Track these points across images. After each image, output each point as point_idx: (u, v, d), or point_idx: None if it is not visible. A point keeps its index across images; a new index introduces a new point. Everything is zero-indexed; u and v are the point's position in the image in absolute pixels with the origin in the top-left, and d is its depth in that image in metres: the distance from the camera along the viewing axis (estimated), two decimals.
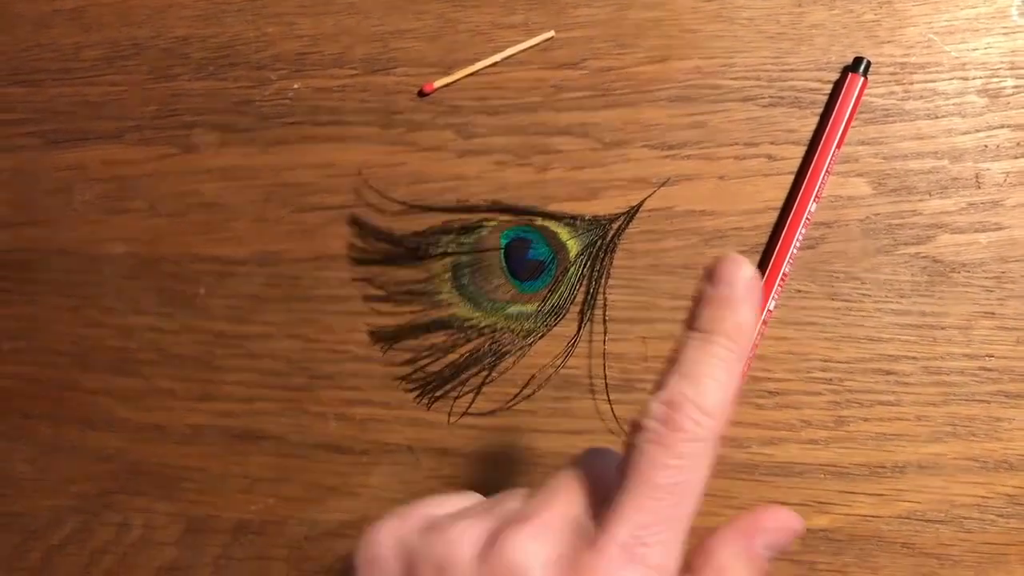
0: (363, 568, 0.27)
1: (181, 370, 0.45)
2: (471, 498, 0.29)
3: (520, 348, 0.44)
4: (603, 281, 0.44)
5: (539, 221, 0.44)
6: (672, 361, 0.26)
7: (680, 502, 0.25)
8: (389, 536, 0.27)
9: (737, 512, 0.42)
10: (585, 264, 0.44)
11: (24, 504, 0.45)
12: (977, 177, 0.43)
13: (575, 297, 0.44)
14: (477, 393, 0.44)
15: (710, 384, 0.25)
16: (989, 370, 0.42)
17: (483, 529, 0.26)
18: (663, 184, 0.44)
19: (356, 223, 0.45)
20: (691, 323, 0.26)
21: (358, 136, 0.46)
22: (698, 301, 0.26)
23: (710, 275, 0.26)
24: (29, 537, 0.45)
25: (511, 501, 0.28)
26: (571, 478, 0.27)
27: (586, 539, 0.25)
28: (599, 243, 0.44)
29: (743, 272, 0.26)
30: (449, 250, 0.44)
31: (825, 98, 0.44)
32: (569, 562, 0.25)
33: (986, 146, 0.43)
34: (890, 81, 0.44)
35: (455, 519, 0.27)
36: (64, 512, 0.45)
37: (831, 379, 0.43)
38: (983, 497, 0.42)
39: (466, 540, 0.26)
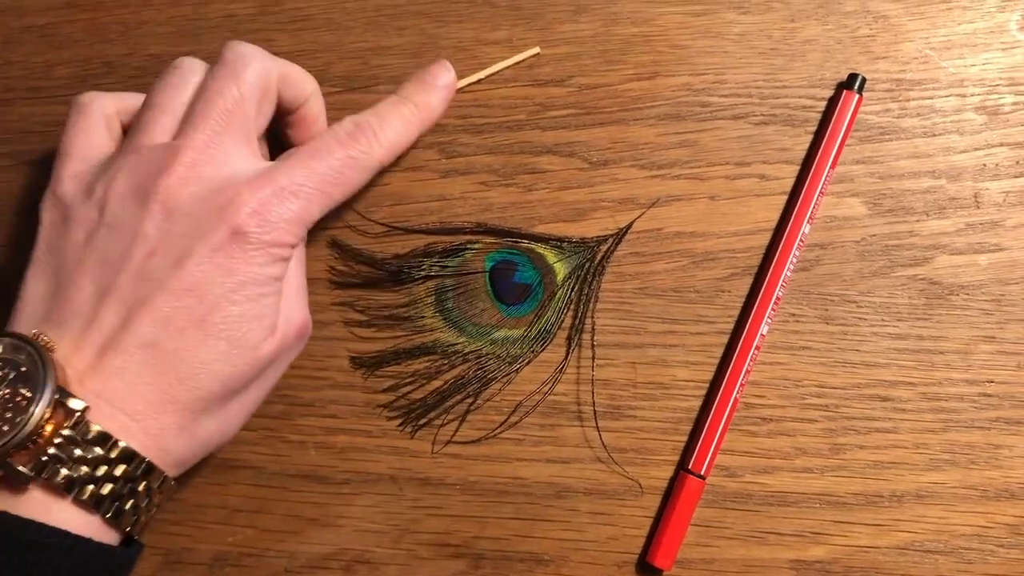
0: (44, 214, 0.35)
1: None
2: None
3: (506, 374, 0.42)
4: (591, 305, 0.42)
5: (525, 243, 0.43)
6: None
7: (332, 185, 0.35)
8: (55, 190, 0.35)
9: (730, 542, 0.41)
10: (573, 288, 0.42)
11: None
12: (976, 197, 0.42)
13: (562, 322, 0.42)
14: (462, 421, 0.42)
15: (391, 126, 0.37)
16: (989, 396, 0.41)
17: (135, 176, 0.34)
18: (652, 205, 0.43)
19: (336, 246, 0.44)
20: (398, 90, 0.39)
21: None
22: (409, 78, 0.39)
23: (425, 69, 0.40)
24: None
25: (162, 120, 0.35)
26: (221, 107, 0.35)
27: (240, 180, 0.33)
28: (587, 266, 0.42)
29: (448, 74, 0.40)
30: (432, 273, 0.43)
31: (819, 116, 0.43)
32: (222, 195, 0.33)
33: (985, 165, 0.42)
34: (886, 98, 0.43)
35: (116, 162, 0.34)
36: None
37: (826, 405, 0.41)
38: (983, 527, 0.40)
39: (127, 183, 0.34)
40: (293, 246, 0.35)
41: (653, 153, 0.43)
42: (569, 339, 0.42)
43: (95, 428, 0.31)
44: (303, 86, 0.38)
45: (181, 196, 0.33)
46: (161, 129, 0.35)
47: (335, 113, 0.44)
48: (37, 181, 0.45)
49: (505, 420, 0.42)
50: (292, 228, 0.34)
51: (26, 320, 0.33)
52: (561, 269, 0.43)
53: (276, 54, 0.44)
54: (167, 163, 0.33)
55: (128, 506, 0.32)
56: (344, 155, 0.35)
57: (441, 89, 0.39)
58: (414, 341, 0.43)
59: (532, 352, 0.42)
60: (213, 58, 0.45)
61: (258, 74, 0.36)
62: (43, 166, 0.45)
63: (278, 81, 0.37)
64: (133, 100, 0.37)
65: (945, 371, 0.41)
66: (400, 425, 0.43)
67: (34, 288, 0.34)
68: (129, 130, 0.36)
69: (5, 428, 0.30)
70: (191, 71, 0.36)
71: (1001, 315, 0.41)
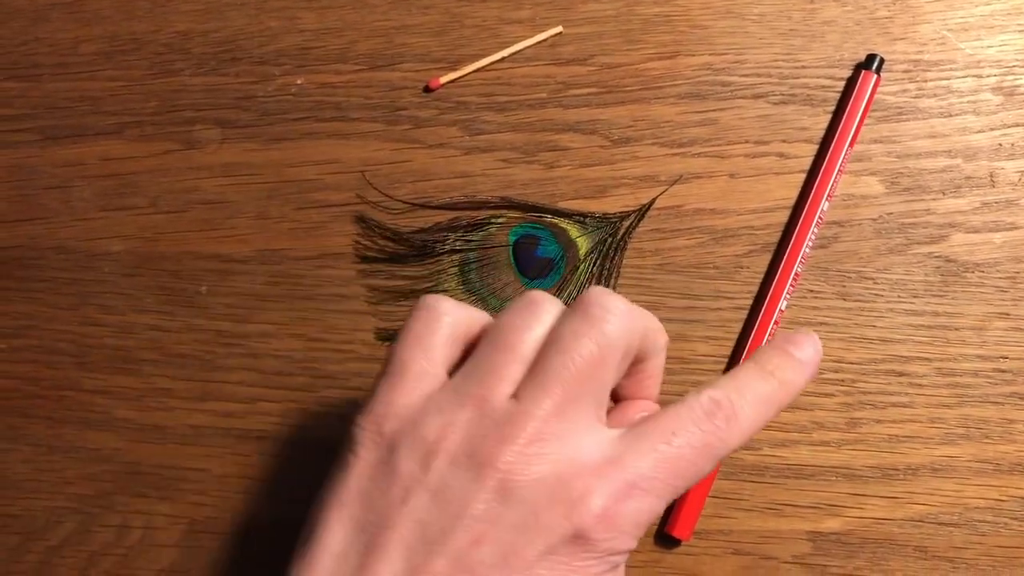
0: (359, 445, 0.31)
1: (182, 369, 0.44)
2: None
3: None
4: (612, 280, 0.43)
5: (548, 218, 0.44)
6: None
7: (681, 478, 0.29)
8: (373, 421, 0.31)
9: (748, 514, 0.42)
10: (595, 263, 0.43)
11: (21, 505, 0.44)
12: (991, 176, 0.43)
13: None
14: None
15: (752, 407, 0.30)
16: (1003, 371, 0.42)
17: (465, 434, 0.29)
18: (674, 182, 0.43)
19: (362, 221, 0.44)
20: (757, 358, 0.32)
21: (362, 132, 0.45)
22: (770, 345, 0.33)
23: (790, 336, 0.33)
24: (27, 539, 0.44)
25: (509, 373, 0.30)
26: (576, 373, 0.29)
27: (587, 466, 0.28)
28: (609, 241, 0.43)
29: (815, 349, 0.32)
30: (457, 247, 0.44)
31: (837, 96, 0.43)
32: (567, 487, 0.28)
33: (1000, 144, 0.43)
34: (903, 79, 0.43)
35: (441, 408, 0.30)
36: (62, 513, 0.44)
37: (843, 380, 0.42)
38: (997, 500, 0.41)
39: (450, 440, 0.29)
40: (631, 551, 0.29)
41: (674, 131, 0.44)
42: None
43: None
44: (656, 341, 0.33)
45: (521, 477, 0.28)
46: (508, 380, 0.30)
47: (360, 91, 0.45)
48: (63, 157, 0.46)
49: None
50: (636, 531, 0.29)
51: None
52: (583, 244, 0.43)
53: (301, 32, 0.45)
54: (510, 433, 0.28)
55: None
56: (701, 441, 0.29)
57: (808, 366, 0.32)
58: None
59: None
60: (240, 36, 0.46)
61: (624, 334, 0.30)
62: (69, 141, 0.46)
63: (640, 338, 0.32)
64: (481, 322, 0.33)
65: (960, 347, 0.42)
66: None
67: (336, 538, 0.29)
68: (468, 366, 0.31)
69: None
70: (546, 311, 0.31)
71: (1015, 292, 0.42)
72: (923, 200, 0.43)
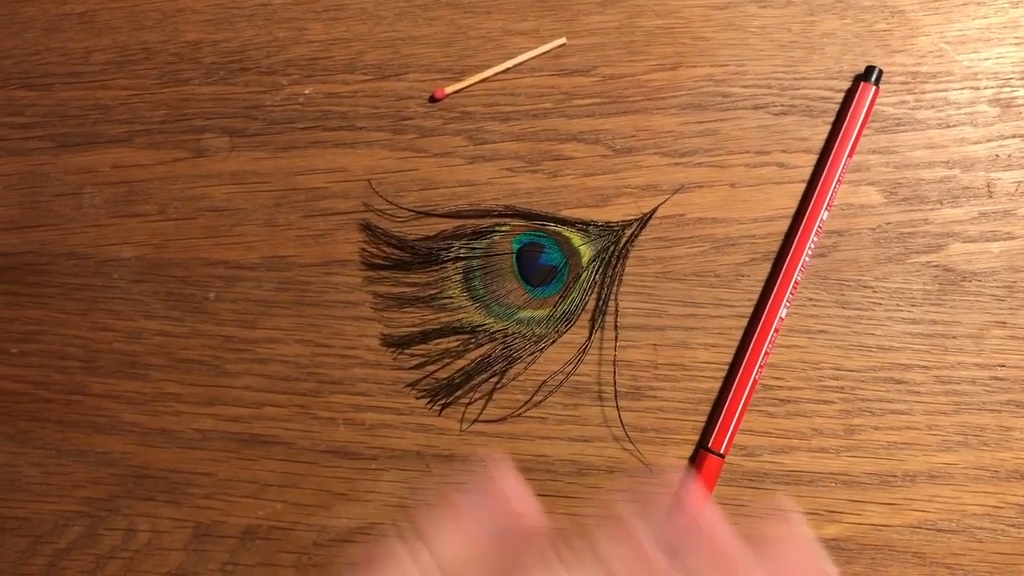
0: None
1: (189, 375, 0.45)
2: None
3: (531, 354, 0.44)
4: (615, 288, 0.43)
5: (552, 226, 0.44)
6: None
7: None
8: None
9: (747, 520, 0.42)
10: (597, 270, 0.44)
11: (30, 508, 0.45)
12: (988, 186, 0.43)
13: (586, 303, 0.44)
14: (488, 400, 0.44)
15: None
16: (1000, 379, 0.42)
17: None
18: (676, 191, 0.44)
19: (368, 229, 0.45)
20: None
21: (369, 141, 0.45)
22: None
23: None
24: (35, 541, 0.45)
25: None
26: None
27: None
28: (611, 249, 0.44)
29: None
30: (461, 255, 0.44)
31: (837, 107, 0.44)
32: None
33: (997, 155, 0.43)
34: (902, 90, 0.44)
35: None
36: (70, 517, 0.45)
37: (842, 387, 0.43)
38: (994, 507, 0.42)
39: None
40: None
41: (676, 141, 0.44)
42: (592, 320, 0.44)
43: None
44: None
45: None
46: None
47: (367, 100, 0.45)
48: (74, 164, 0.47)
49: (529, 399, 0.43)
50: None
51: None
52: (586, 252, 0.44)
53: (309, 43, 0.46)
54: None
55: None
56: None
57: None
58: (442, 321, 0.44)
59: (556, 332, 0.43)
60: (249, 46, 0.46)
61: None
62: (80, 149, 0.47)
63: None
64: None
65: (958, 355, 0.42)
66: (428, 403, 0.44)
67: None
68: None
69: None
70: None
71: (1013, 301, 0.43)
72: (921, 210, 0.43)
